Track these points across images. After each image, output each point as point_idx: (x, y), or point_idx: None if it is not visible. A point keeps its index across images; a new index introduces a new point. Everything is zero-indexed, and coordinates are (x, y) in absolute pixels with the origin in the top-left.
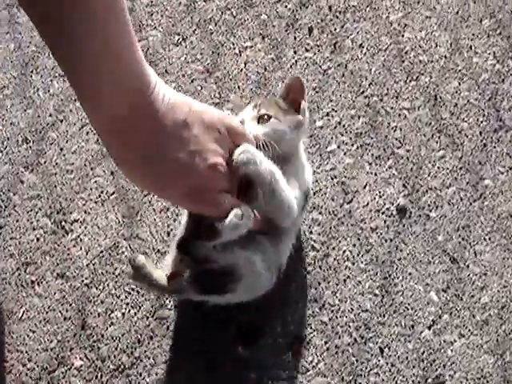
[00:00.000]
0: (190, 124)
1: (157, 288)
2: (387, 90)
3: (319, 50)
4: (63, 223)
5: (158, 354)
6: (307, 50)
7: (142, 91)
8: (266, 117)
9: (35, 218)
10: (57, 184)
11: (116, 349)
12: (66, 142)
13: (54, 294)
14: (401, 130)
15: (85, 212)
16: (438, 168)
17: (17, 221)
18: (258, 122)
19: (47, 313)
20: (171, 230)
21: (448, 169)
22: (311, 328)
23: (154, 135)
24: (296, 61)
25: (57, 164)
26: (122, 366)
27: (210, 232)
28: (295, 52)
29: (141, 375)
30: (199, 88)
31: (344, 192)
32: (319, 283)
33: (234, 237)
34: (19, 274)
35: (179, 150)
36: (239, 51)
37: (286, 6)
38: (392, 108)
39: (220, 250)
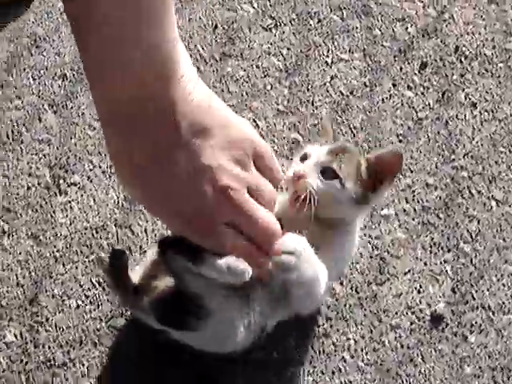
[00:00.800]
0: (209, 132)
1: (120, 295)
2: (483, 169)
3: (423, 93)
4: (61, 181)
5: (93, 365)
6: (409, 88)
7: (161, 77)
8: (330, 172)
9: (36, 163)
10: (73, 136)
11: (54, 340)
12: None
13: (20, 253)
14: (479, 222)
15: (88, 178)
16: (503, 286)
17: (17, 159)
18: (322, 173)
19: (3, 270)
20: (166, 232)
21: None
22: None
23: (162, 135)
24: (391, 95)
25: (83, 114)
26: (52, 362)
27: (196, 256)
28: (394, 85)
29: (67, 380)
30: (268, 87)
31: (379, 270)
32: (302, 363)
33: (217, 280)
34: None
35: (187, 161)
36: (331, 61)
37: (407, 29)
38: (480, 193)
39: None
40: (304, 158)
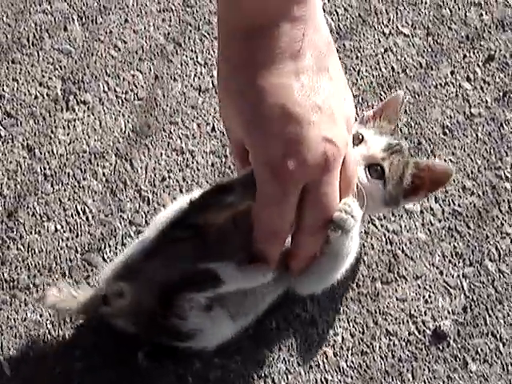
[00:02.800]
0: (331, 76)
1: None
2: None
3: (482, 88)
4: (71, 97)
5: None
6: (468, 79)
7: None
8: (379, 171)
9: (50, 73)
10: (95, 53)
11: (23, 261)
12: (137, 15)
13: (10, 162)
14: (511, 241)
15: (99, 100)
16: None
17: (32, 65)
18: (368, 168)
19: None
20: (169, 177)
21: None
22: None
23: (286, 61)
24: (446, 83)
25: (111, 33)
26: (15, 283)
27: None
28: (452, 73)
29: (26, 305)
30: None
31: (388, 268)
32: (279, 348)
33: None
34: None
35: (303, 97)
36: (389, 33)
37: (481, 16)
38: None
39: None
40: (358, 140)
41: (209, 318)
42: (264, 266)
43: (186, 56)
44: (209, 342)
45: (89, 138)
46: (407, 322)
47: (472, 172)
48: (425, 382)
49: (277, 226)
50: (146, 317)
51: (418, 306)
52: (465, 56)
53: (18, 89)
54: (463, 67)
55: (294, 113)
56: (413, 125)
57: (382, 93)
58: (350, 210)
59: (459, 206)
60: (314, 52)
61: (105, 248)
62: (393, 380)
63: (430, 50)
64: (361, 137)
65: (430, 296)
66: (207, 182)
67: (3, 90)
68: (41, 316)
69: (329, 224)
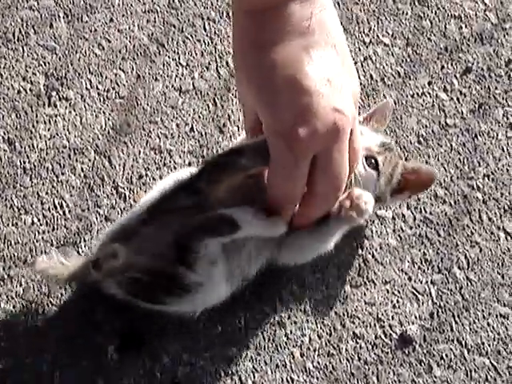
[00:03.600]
0: (340, 53)
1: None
2: (501, 195)
3: (458, 100)
4: (53, 93)
5: (30, 288)
6: (445, 90)
7: None
8: (374, 163)
9: (34, 69)
10: (79, 51)
11: None
12: (122, 15)
13: None
14: (480, 250)
15: (81, 97)
16: (488, 325)
17: (16, 60)
18: (365, 159)
19: None
20: (146, 175)
21: (501, 339)
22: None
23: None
24: (423, 93)
25: (95, 31)
26: None
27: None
28: (430, 83)
29: (0, 296)
30: None
31: (358, 272)
32: (247, 347)
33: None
34: None
35: (313, 70)
36: (370, 41)
37: (460, 28)
38: (490, 220)
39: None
40: None
41: (212, 272)
42: (278, 219)
43: (169, 57)
44: (199, 303)
45: (69, 133)
46: (374, 325)
47: (445, 181)
48: (397, 382)
49: (289, 191)
50: (142, 274)
51: (385, 311)
52: (443, 67)
53: (1, 83)
54: (441, 78)
55: (304, 84)
56: (388, 132)
57: (360, 100)
58: (369, 202)
59: (431, 213)
60: (321, 29)
61: (80, 242)
62: (358, 382)
63: (408, 60)
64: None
65: (397, 301)
66: None
67: None
68: (14, 307)
69: (353, 209)
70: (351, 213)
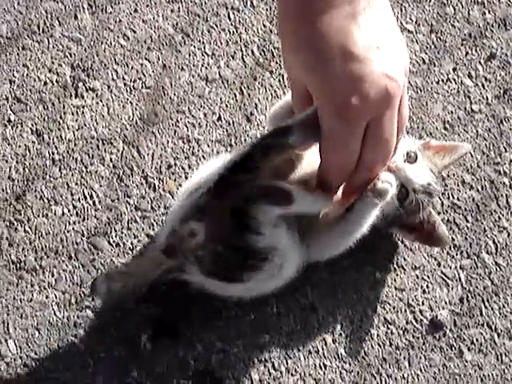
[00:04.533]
0: (387, 20)
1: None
2: None
3: (483, 86)
4: (80, 84)
5: (62, 278)
6: (469, 76)
7: None
8: (413, 158)
9: (60, 60)
10: (104, 42)
11: (30, 243)
12: (147, 5)
13: (19, 146)
14: (508, 235)
15: (108, 87)
16: None
17: (42, 52)
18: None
19: None
20: (175, 164)
21: None
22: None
23: None
24: (448, 79)
25: (120, 22)
26: (22, 265)
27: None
28: (454, 69)
29: (32, 286)
30: None
31: (387, 257)
32: (280, 333)
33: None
34: (2, 105)
35: (362, 37)
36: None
37: (484, 14)
38: None
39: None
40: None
41: (279, 233)
42: (326, 194)
43: (194, 46)
44: (277, 275)
45: (97, 124)
46: (405, 311)
47: (471, 167)
48: (421, 369)
49: (344, 161)
50: (222, 248)
51: (415, 296)
52: (467, 53)
53: (27, 75)
54: (465, 64)
55: (354, 52)
56: (415, 119)
57: None
58: (391, 184)
59: (458, 199)
60: None
61: (111, 232)
62: (390, 367)
63: (433, 46)
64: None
65: (427, 286)
66: None
67: (13, 75)
68: (47, 297)
69: (371, 192)
70: (368, 193)
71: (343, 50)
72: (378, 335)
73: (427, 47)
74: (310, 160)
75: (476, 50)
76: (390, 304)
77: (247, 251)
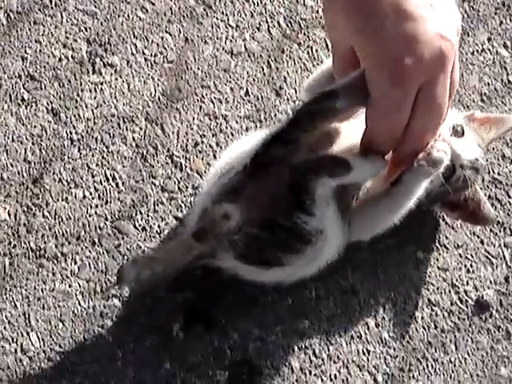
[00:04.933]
0: None
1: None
2: None
3: None
4: (97, 60)
5: (86, 265)
6: (505, 46)
7: None
8: (460, 132)
9: (75, 35)
10: (121, 15)
11: (50, 229)
12: None
13: (35, 127)
14: None
15: (127, 62)
16: None
17: (55, 27)
18: (455, 131)
19: (13, 141)
20: (202, 142)
21: None
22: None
23: None
24: (483, 49)
25: None
26: (42, 252)
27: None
28: (489, 40)
29: (53, 275)
30: None
31: (429, 236)
32: (320, 318)
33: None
34: (15, 84)
35: None
36: None
37: None
38: None
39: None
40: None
41: (328, 214)
42: (381, 159)
43: (217, 18)
44: (317, 258)
45: (117, 101)
46: (449, 291)
47: (511, 140)
48: (468, 353)
49: (393, 128)
50: (260, 230)
51: (459, 276)
52: (501, 23)
53: (40, 51)
54: (500, 34)
55: (407, 10)
56: None
57: None
58: (447, 153)
59: (499, 174)
60: None
61: (136, 215)
62: (436, 351)
63: (466, 16)
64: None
65: (471, 265)
66: None
67: (26, 51)
68: (70, 286)
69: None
70: (422, 162)
71: (396, 8)
72: (422, 318)
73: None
74: (347, 134)
75: (510, 20)
76: (433, 285)
77: (292, 233)
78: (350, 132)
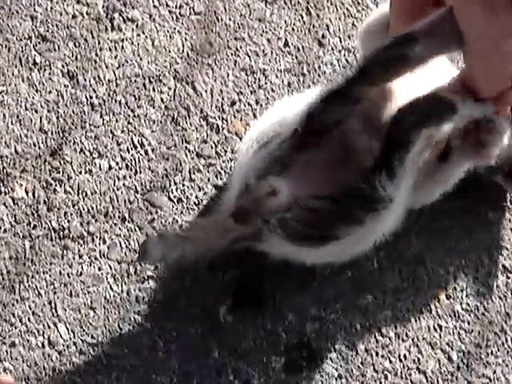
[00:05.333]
0: None
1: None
2: None
3: None
4: (115, 15)
5: (116, 244)
6: None
7: None
8: None
9: None
10: None
11: (73, 205)
12: None
13: (50, 92)
14: None
15: (150, 16)
16: None
17: None
18: None
19: (26, 109)
20: (239, 100)
21: None
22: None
23: None
24: None
25: None
26: (66, 232)
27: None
28: None
29: (80, 257)
30: None
31: (499, 195)
32: (383, 292)
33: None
34: (25, 46)
35: None
36: None
37: None
38: None
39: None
40: None
41: (406, 180)
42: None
43: None
44: (377, 230)
45: (141, 59)
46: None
47: None
48: None
49: (495, 69)
50: (321, 203)
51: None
52: None
53: (52, 8)
54: None
55: None
56: None
57: None
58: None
59: None
60: None
61: (170, 186)
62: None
63: None
64: None
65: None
66: None
67: (35, 10)
68: (99, 269)
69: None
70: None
71: None
72: (497, 286)
73: None
74: (402, 93)
75: None
76: (507, 249)
77: (361, 200)
78: (407, 92)
